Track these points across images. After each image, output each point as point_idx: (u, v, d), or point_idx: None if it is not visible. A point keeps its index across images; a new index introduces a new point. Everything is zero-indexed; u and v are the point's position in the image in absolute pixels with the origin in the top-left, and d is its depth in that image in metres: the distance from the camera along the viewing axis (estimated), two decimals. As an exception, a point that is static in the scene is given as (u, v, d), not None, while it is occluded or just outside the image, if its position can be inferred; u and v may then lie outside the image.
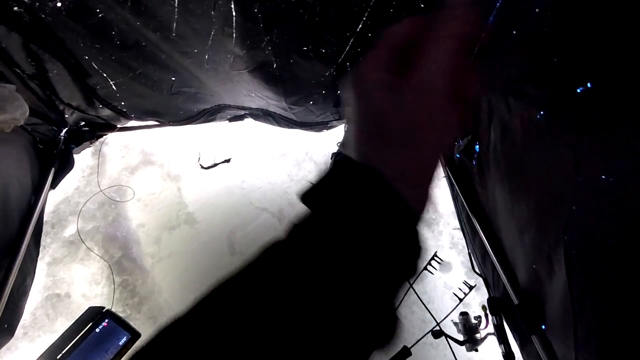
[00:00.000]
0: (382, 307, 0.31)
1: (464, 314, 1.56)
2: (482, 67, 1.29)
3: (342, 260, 0.30)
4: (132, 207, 1.73)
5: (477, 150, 1.46)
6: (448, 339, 1.48)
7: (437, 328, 1.51)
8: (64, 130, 1.72)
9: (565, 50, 0.87)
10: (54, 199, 1.66)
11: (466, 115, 0.39)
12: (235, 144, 2.01)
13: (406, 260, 0.33)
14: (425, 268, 1.61)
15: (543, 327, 1.12)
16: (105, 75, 1.23)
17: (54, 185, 1.64)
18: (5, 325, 1.32)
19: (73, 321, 1.46)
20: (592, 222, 0.82)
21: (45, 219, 1.50)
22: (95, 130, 1.79)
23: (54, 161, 1.63)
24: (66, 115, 1.55)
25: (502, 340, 1.37)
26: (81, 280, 1.60)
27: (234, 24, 1.14)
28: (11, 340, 1.34)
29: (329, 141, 1.95)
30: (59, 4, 0.99)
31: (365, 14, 1.21)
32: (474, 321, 1.52)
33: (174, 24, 1.09)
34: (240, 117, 1.99)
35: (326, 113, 1.80)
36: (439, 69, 0.30)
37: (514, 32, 1.06)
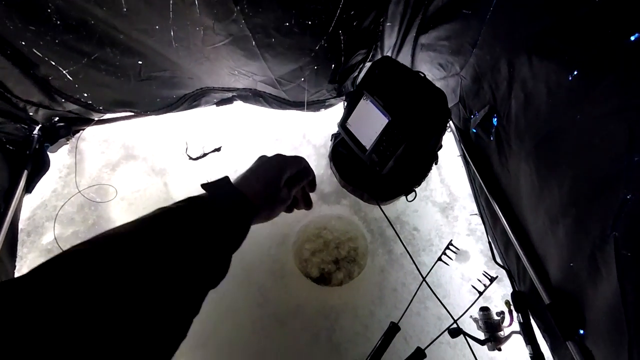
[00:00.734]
0: None
1: (485, 309, 1.41)
2: (496, 23, 1.07)
3: None
4: (115, 208, 1.59)
5: (495, 123, 1.25)
6: (467, 337, 1.34)
7: (455, 326, 1.36)
8: (37, 128, 1.57)
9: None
10: (30, 204, 1.54)
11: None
12: (225, 130, 1.84)
13: None
14: (440, 259, 1.45)
15: (581, 332, 0.95)
16: (53, 63, 1.06)
17: (29, 190, 1.51)
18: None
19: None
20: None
21: (20, 226, 1.38)
22: (70, 126, 1.64)
23: (26, 163, 1.49)
24: (30, 113, 1.40)
25: (530, 340, 1.21)
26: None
27: (191, -11, 0.94)
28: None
29: (327, 122, 1.76)
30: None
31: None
32: (496, 317, 1.37)
33: (122, -5, 0.90)
34: (228, 101, 1.80)
35: (321, 90, 1.60)
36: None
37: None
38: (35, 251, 1.45)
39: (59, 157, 1.62)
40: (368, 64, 1.52)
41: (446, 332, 1.34)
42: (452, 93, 1.49)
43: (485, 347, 1.35)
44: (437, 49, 1.41)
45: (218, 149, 1.81)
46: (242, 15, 1.06)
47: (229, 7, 1.01)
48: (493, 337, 1.34)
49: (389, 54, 1.53)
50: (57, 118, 1.59)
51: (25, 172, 1.47)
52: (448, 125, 1.59)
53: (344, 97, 1.78)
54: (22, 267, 1.42)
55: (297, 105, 1.72)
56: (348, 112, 1.37)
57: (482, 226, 1.47)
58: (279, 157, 0.64)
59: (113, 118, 1.70)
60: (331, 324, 1.45)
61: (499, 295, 1.44)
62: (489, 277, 1.39)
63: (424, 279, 1.41)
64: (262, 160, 0.63)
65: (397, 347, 1.28)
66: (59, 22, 0.93)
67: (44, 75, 1.12)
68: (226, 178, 0.57)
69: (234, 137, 1.83)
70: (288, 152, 1.90)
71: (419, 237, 1.60)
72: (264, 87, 1.59)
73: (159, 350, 0.38)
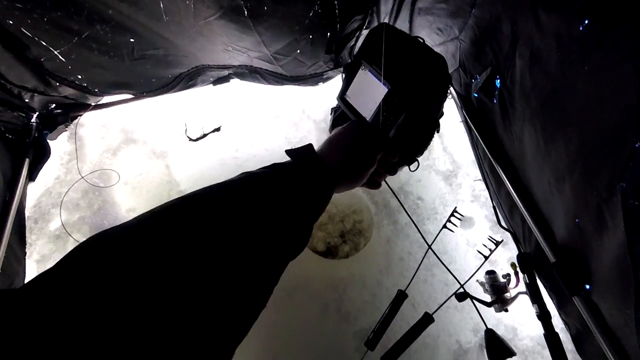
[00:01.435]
0: None
1: (491, 273, 1.42)
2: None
3: None
4: (119, 192, 1.60)
5: (499, 86, 1.23)
6: (474, 300, 1.36)
7: (461, 290, 1.38)
8: (34, 116, 1.56)
9: None
10: (34, 192, 1.55)
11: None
12: (224, 110, 1.82)
13: None
14: (445, 226, 1.46)
15: (587, 287, 0.96)
16: (44, 43, 1.03)
17: (32, 178, 1.52)
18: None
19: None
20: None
21: (27, 214, 1.39)
22: (68, 112, 1.62)
23: (27, 151, 1.49)
24: (26, 100, 1.38)
25: (536, 299, 1.23)
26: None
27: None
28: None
29: (326, 95, 1.74)
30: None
31: None
32: (502, 280, 1.38)
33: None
34: (224, 79, 1.77)
35: (318, 62, 1.57)
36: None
37: None
38: (43, 237, 1.47)
39: (60, 144, 1.62)
40: (365, 32, 1.48)
41: (453, 296, 1.36)
42: (452, 58, 1.46)
43: (492, 309, 1.37)
44: (435, 12, 1.37)
45: (218, 129, 1.80)
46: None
47: (219, -25, 0.98)
48: (500, 299, 1.35)
49: (386, 20, 1.49)
50: (54, 105, 1.57)
51: (27, 160, 1.47)
52: (449, 91, 1.56)
53: (342, 69, 1.75)
54: (32, 253, 1.44)
55: (295, 80, 1.69)
56: (347, 83, 1.35)
57: (486, 192, 1.47)
58: (355, 123, 0.65)
59: (110, 102, 1.68)
60: (340, 295, 1.48)
61: (505, 259, 1.45)
62: (494, 242, 1.40)
63: (429, 246, 1.42)
64: (340, 129, 0.64)
65: (406, 313, 1.30)
66: (46, -1, 0.90)
67: (35, 57, 1.10)
68: (309, 146, 0.56)
69: (233, 117, 1.81)
70: (288, 128, 1.86)
71: (423, 206, 1.60)
72: (260, 63, 1.56)
73: (242, 317, 0.38)
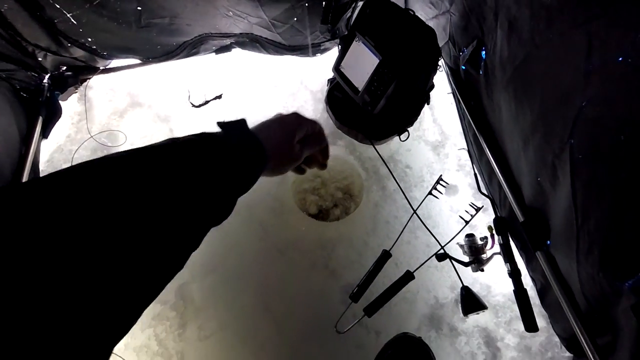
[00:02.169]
0: None
1: (470, 236, 1.51)
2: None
3: None
4: (126, 152, 1.70)
5: (484, 57, 1.29)
6: (452, 260, 1.45)
7: (442, 251, 1.47)
8: (46, 77, 1.65)
9: None
10: (47, 148, 1.65)
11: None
12: (225, 78, 1.90)
13: None
14: (430, 193, 1.54)
15: (548, 242, 1.05)
16: (57, 6, 1.12)
17: (45, 135, 1.62)
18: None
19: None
20: (603, 117, 0.69)
21: (41, 168, 1.50)
22: (78, 75, 1.71)
23: (40, 109, 1.59)
24: (40, 59, 1.47)
25: (508, 258, 1.32)
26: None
27: None
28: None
29: (323, 67, 1.80)
30: None
31: None
32: (479, 242, 1.47)
33: None
34: (226, 48, 1.84)
35: (315, 32, 1.63)
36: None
37: None
38: (56, 190, 1.58)
39: (70, 105, 1.71)
40: (361, 4, 1.54)
41: (434, 257, 1.45)
42: (442, 32, 1.51)
43: (469, 269, 1.46)
44: (428, -16, 1.42)
45: (219, 97, 1.88)
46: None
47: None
48: (477, 259, 1.44)
49: (381, -8, 1.54)
50: (65, 67, 1.67)
51: (40, 118, 1.57)
52: (440, 64, 1.61)
53: (338, 41, 1.81)
54: (46, 204, 1.56)
55: (293, 49, 1.75)
56: (341, 55, 1.41)
57: (470, 162, 1.54)
58: (294, 115, 0.63)
59: (117, 67, 1.77)
60: (328, 253, 1.59)
61: (484, 224, 1.53)
62: (475, 208, 1.48)
63: (414, 211, 1.51)
64: (278, 117, 0.62)
65: (389, 271, 1.40)
66: (59, -38, 0.98)
67: (49, 18, 1.18)
68: (243, 120, 0.55)
69: (234, 85, 1.89)
70: (286, 97, 1.94)
71: (411, 174, 1.69)
72: (260, 30, 1.62)
73: (156, 277, 0.38)
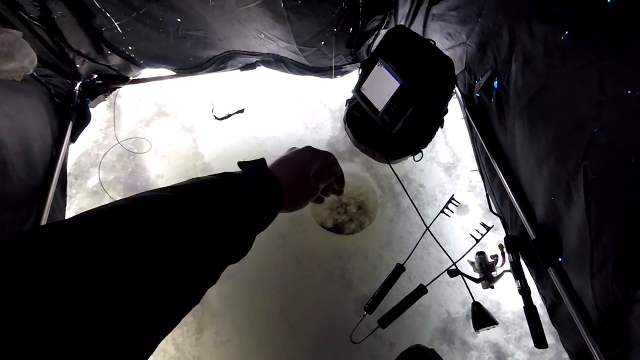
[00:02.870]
0: None
1: (481, 254, 1.57)
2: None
3: None
4: (150, 159, 1.76)
5: (496, 86, 1.39)
6: (464, 277, 1.50)
7: (454, 267, 1.52)
8: (78, 84, 1.72)
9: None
10: (74, 152, 1.71)
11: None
12: (248, 93, 1.98)
13: None
14: (442, 211, 1.60)
15: (560, 259, 1.12)
16: (108, 14, 1.20)
17: (73, 139, 1.68)
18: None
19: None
20: (614, 142, 0.78)
21: (68, 170, 1.54)
22: (108, 83, 1.79)
23: (70, 114, 1.65)
24: (77, 65, 1.55)
25: (519, 275, 1.37)
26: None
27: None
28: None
29: (342, 88, 1.90)
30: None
31: None
32: (490, 260, 1.53)
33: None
34: (251, 66, 1.94)
35: (339, 55, 1.74)
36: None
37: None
38: (82, 192, 1.63)
39: (99, 112, 1.78)
40: (383, 32, 1.65)
41: (446, 272, 1.51)
42: (458, 61, 1.62)
43: (479, 285, 1.52)
44: (446, 19, 1.53)
45: (241, 111, 1.96)
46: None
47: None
48: (487, 276, 1.50)
49: (402, 22, 1.66)
50: (96, 76, 1.74)
51: (71, 123, 1.63)
52: (454, 91, 1.72)
53: (359, 64, 1.91)
54: (72, 205, 1.60)
55: (316, 70, 1.85)
56: (363, 77, 1.50)
57: (481, 183, 1.63)
58: (308, 149, 0.64)
59: (146, 78, 1.85)
60: (344, 264, 1.63)
61: (494, 243, 1.60)
62: (486, 227, 1.55)
63: (427, 228, 1.57)
64: (293, 152, 0.63)
65: (402, 284, 1.44)
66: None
67: (98, 26, 1.26)
68: (262, 160, 0.57)
69: (256, 101, 1.98)
70: (306, 115, 2.03)
71: (424, 193, 1.77)
72: (287, 53, 1.72)
73: (173, 312, 0.40)
